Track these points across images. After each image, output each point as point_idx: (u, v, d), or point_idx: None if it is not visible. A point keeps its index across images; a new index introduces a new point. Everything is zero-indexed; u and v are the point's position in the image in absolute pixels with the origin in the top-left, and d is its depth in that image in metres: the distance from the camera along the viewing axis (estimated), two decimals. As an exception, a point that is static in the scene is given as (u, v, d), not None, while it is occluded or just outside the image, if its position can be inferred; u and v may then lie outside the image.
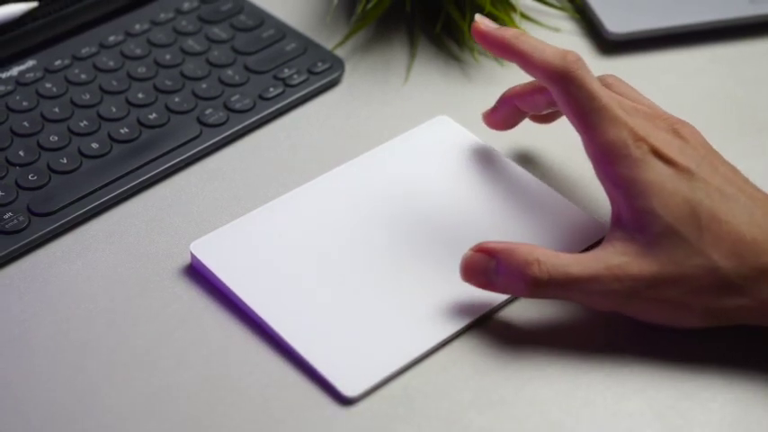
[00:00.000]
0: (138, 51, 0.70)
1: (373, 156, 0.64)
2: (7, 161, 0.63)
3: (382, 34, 0.74)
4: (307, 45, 0.71)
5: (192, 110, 0.67)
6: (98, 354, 0.55)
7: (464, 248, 0.59)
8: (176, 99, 0.67)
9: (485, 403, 0.54)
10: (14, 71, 0.68)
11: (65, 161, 0.63)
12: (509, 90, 0.62)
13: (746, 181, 0.55)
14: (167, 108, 0.67)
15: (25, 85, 0.68)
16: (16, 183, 0.62)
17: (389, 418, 0.53)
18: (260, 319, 0.56)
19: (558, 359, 0.55)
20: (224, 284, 0.57)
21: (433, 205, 0.62)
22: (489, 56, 0.73)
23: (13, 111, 0.66)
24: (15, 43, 0.70)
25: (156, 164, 0.64)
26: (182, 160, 0.64)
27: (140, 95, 0.67)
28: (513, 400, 0.54)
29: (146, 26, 0.72)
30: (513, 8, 0.73)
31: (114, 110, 0.66)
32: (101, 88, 0.68)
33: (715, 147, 0.66)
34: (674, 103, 0.70)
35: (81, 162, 0.63)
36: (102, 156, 0.64)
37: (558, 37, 0.74)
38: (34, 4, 0.70)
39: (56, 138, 0.64)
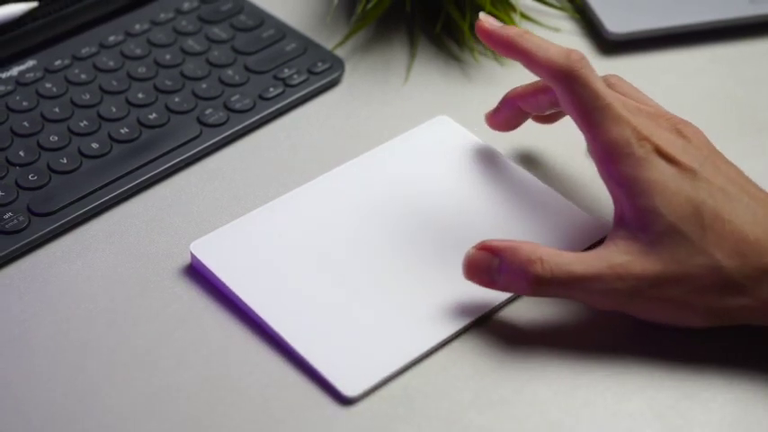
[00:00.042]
0: (138, 51, 0.70)
1: (373, 156, 0.64)
2: (7, 161, 0.63)
3: (382, 34, 0.74)
4: (307, 45, 0.71)
5: (192, 110, 0.67)
6: (98, 354, 0.55)
7: (464, 249, 0.59)
8: (176, 99, 0.67)
9: (485, 403, 0.54)
10: (14, 71, 0.68)
11: (65, 161, 0.63)
12: (511, 91, 0.62)
13: (749, 181, 0.55)
14: (167, 108, 0.67)
15: (25, 85, 0.68)
16: (16, 183, 0.62)
17: (389, 418, 0.53)
18: (260, 319, 0.56)
19: (558, 359, 0.55)
20: (224, 284, 0.57)
21: (433, 205, 0.62)
22: (489, 56, 0.73)
23: (13, 111, 0.66)
24: (15, 43, 0.70)
25: (156, 164, 0.64)
26: (182, 160, 0.64)
27: (140, 95, 0.67)
28: (513, 400, 0.54)
29: (146, 26, 0.72)
30: (513, 8, 0.73)
31: (114, 110, 0.66)
32: (101, 88, 0.68)
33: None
34: (674, 103, 0.70)
35: (81, 162, 0.63)
36: (102, 156, 0.64)
37: (558, 37, 0.74)
38: (34, 4, 0.70)
39: (56, 138, 0.64)
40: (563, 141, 0.67)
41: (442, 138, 0.65)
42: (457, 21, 0.72)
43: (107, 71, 0.69)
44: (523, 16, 0.74)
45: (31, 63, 0.69)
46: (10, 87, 0.67)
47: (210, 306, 0.57)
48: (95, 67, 0.69)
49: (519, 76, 0.71)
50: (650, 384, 0.54)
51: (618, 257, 0.53)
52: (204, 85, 0.68)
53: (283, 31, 0.72)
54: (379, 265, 0.58)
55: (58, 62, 0.69)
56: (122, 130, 0.65)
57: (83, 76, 0.68)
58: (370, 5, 0.72)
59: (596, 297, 0.54)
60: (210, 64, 0.70)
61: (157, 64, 0.70)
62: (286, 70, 0.69)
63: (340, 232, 0.60)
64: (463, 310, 0.57)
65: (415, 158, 0.64)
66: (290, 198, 0.62)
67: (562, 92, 0.56)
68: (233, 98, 0.67)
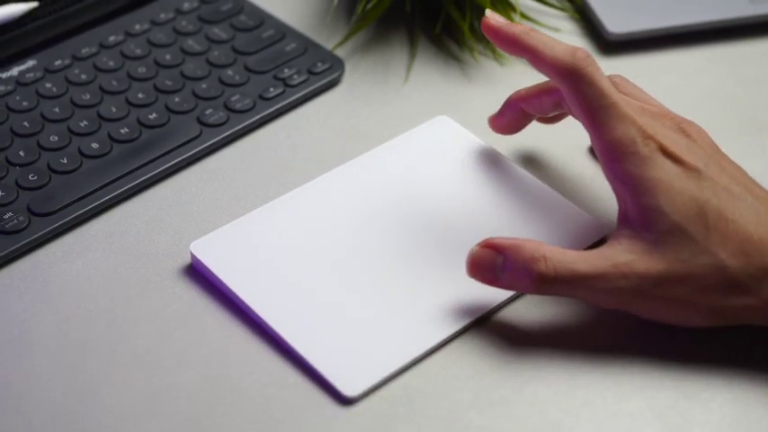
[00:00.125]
0: (139, 51, 0.70)
1: (373, 156, 0.64)
2: (7, 161, 0.63)
3: (382, 34, 0.74)
4: (307, 45, 0.71)
5: (192, 110, 0.67)
6: (98, 354, 0.55)
7: (464, 248, 0.59)
8: (176, 99, 0.67)
9: (485, 403, 0.54)
10: (14, 71, 0.68)
11: (65, 161, 0.63)
12: (514, 93, 0.62)
13: (753, 181, 0.55)
14: (167, 108, 0.67)
15: (25, 85, 0.68)
16: (16, 183, 0.62)
17: (389, 418, 0.53)
18: (260, 319, 0.56)
19: (558, 359, 0.55)
20: (224, 284, 0.57)
21: (433, 206, 0.62)
22: (489, 56, 0.73)
23: (13, 111, 0.66)
24: (15, 43, 0.70)
25: (156, 164, 0.64)
26: (182, 160, 0.64)
27: (140, 95, 0.67)
28: (513, 400, 0.54)
29: (146, 26, 0.72)
30: (513, 8, 0.73)
31: (114, 110, 0.66)
32: (101, 88, 0.68)
33: (715, 147, 0.66)
34: (674, 103, 0.70)
35: (81, 162, 0.63)
36: (103, 156, 0.64)
37: (558, 37, 0.74)
38: (34, 4, 0.70)
39: (56, 138, 0.64)
40: (563, 141, 0.67)
41: (441, 138, 0.65)
42: (457, 21, 0.72)
43: (107, 71, 0.69)
44: (523, 16, 0.74)
45: (31, 63, 0.69)
46: (10, 87, 0.67)
47: (210, 306, 0.57)
48: (95, 67, 0.69)
49: (519, 76, 0.71)
50: (650, 384, 0.54)
51: (622, 256, 0.53)
52: (204, 85, 0.68)
53: (283, 31, 0.72)
54: (378, 264, 0.58)
55: (58, 62, 0.69)
56: (122, 130, 0.65)
57: (83, 76, 0.68)
58: (370, 5, 0.72)
59: (599, 296, 0.54)
60: (210, 64, 0.70)
61: (157, 64, 0.70)
62: (286, 70, 0.69)
63: (340, 232, 0.60)
64: (463, 310, 0.57)
65: (414, 158, 0.64)
66: (290, 198, 0.62)
67: (567, 90, 0.56)
68: (233, 98, 0.67)
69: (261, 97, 0.68)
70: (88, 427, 0.52)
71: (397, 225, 0.60)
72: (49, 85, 0.68)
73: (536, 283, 0.54)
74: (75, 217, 0.61)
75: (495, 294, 0.57)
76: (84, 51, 0.70)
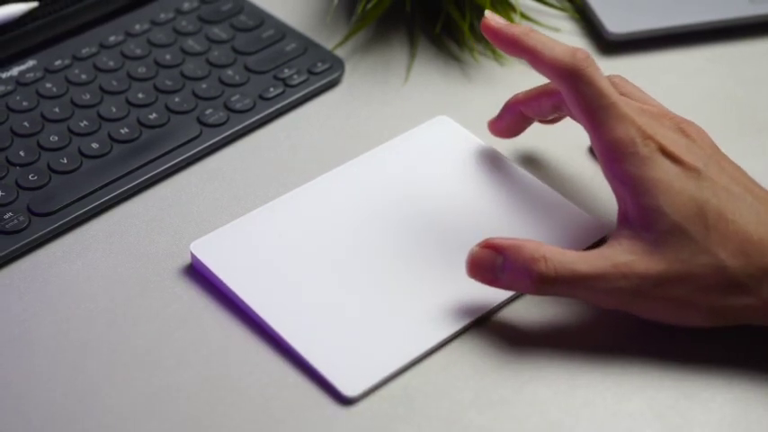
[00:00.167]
0: (139, 51, 0.70)
1: (373, 156, 0.64)
2: (7, 161, 0.63)
3: (382, 34, 0.74)
4: (307, 45, 0.71)
5: (192, 110, 0.67)
6: (98, 354, 0.55)
7: (463, 248, 0.59)
8: (176, 99, 0.67)
9: (485, 403, 0.54)
10: (14, 71, 0.68)
11: (65, 161, 0.63)
12: (513, 97, 0.63)
13: (752, 181, 0.55)
14: (167, 108, 0.67)
15: (25, 85, 0.68)
16: (16, 183, 0.62)
17: (389, 418, 0.53)
18: (260, 319, 0.56)
19: (558, 359, 0.55)
20: (224, 284, 0.57)
21: (433, 206, 0.62)
22: (489, 56, 0.73)
23: (13, 111, 0.66)
24: (15, 43, 0.70)
25: (156, 164, 0.64)
26: (182, 160, 0.64)
27: (140, 95, 0.67)
28: (513, 400, 0.54)
29: (146, 26, 0.72)
30: (513, 8, 0.73)
31: (114, 110, 0.66)
32: (101, 88, 0.68)
33: (715, 147, 0.66)
34: (674, 103, 0.70)
35: (81, 162, 0.63)
36: (103, 156, 0.64)
37: (558, 37, 0.74)
38: (34, 4, 0.70)
39: (56, 138, 0.64)
40: (563, 141, 0.67)
41: (441, 138, 0.65)
42: (457, 21, 0.72)
43: (107, 71, 0.69)
44: (523, 16, 0.74)
45: (31, 63, 0.69)
46: (10, 87, 0.67)
47: (210, 306, 0.57)
48: (95, 67, 0.69)
49: (519, 77, 0.71)
50: (650, 384, 0.54)
51: (622, 256, 0.53)
52: (204, 85, 0.68)
53: (283, 31, 0.72)
54: (378, 264, 0.58)
55: (58, 62, 0.69)
56: (122, 130, 0.65)
57: (83, 77, 0.68)
58: (370, 5, 0.72)
59: (600, 296, 0.54)
60: (210, 64, 0.70)
61: (157, 64, 0.70)
62: (286, 70, 0.69)
63: (340, 232, 0.60)
64: (463, 310, 0.57)
65: (414, 158, 0.64)
66: (290, 198, 0.62)
67: (567, 90, 0.56)
68: (233, 98, 0.67)
69: (261, 97, 0.68)
70: (88, 427, 0.52)
71: (397, 225, 0.60)
72: (49, 85, 0.68)
73: (536, 283, 0.54)
74: (75, 217, 0.61)
75: (495, 294, 0.57)
76: (85, 51, 0.70)
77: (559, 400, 0.54)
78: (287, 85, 0.69)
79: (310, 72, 0.69)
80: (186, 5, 0.74)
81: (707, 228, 0.53)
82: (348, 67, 0.72)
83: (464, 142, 0.65)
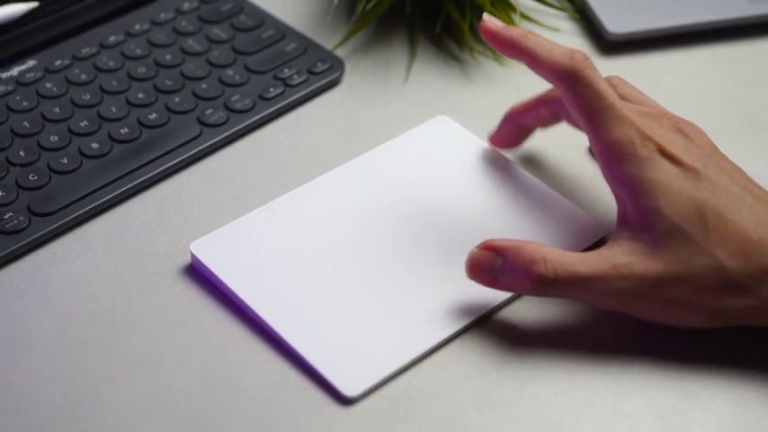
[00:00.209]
0: (139, 51, 0.70)
1: (373, 156, 0.64)
2: (7, 161, 0.63)
3: (382, 34, 0.74)
4: (307, 45, 0.71)
5: (193, 110, 0.67)
6: (98, 354, 0.55)
7: (463, 248, 0.59)
8: (176, 99, 0.67)
9: (485, 403, 0.54)
10: (15, 71, 0.68)
11: (65, 161, 0.63)
12: (512, 108, 0.63)
13: (752, 181, 0.55)
14: (167, 108, 0.67)
15: (25, 85, 0.68)
16: (16, 183, 0.62)
17: (389, 418, 0.53)
18: (260, 319, 0.56)
19: (558, 359, 0.55)
20: (224, 284, 0.57)
21: (433, 206, 0.62)
22: (489, 56, 0.73)
23: (13, 111, 0.66)
24: (15, 43, 0.70)
25: (156, 164, 0.64)
26: (182, 160, 0.64)
27: (140, 95, 0.67)
28: (513, 400, 0.54)
29: (146, 26, 0.72)
30: (512, 8, 0.73)
31: (114, 110, 0.66)
32: (101, 88, 0.68)
33: (715, 147, 0.66)
34: (674, 103, 0.70)
35: (81, 162, 0.63)
36: (103, 156, 0.64)
37: (558, 37, 0.74)
38: (34, 4, 0.70)
39: (56, 138, 0.64)
40: (563, 142, 0.67)
41: (441, 138, 0.66)
42: (457, 21, 0.72)
43: (107, 71, 0.69)
44: (523, 16, 0.74)
45: (31, 63, 0.69)
46: (10, 87, 0.67)
47: (210, 306, 0.58)
48: (95, 67, 0.69)
49: (519, 77, 0.71)
50: (650, 384, 0.54)
51: (621, 258, 0.53)
52: (204, 85, 0.68)
53: (283, 31, 0.72)
54: (378, 264, 0.58)
55: (58, 62, 0.69)
56: (122, 130, 0.65)
57: (83, 77, 0.68)
58: (370, 5, 0.72)
59: (599, 297, 0.54)
60: (210, 64, 0.70)
61: (157, 64, 0.70)
62: (286, 70, 0.69)
63: (340, 232, 0.60)
64: (463, 310, 0.57)
65: (414, 158, 0.64)
66: (290, 198, 0.62)
67: (565, 92, 0.56)
68: (233, 98, 0.67)
69: (261, 97, 0.68)
70: (88, 427, 0.52)
71: (397, 225, 0.60)
72: (49, 85, 0.68)
73: (536, 284, 0.54)
74: (75, 217, 0.61)
75: (495, 295, 0.57)
76: (85, 51, 0.70)
77: (559, 400, 0.54)
78: (287, 85, 0.69)
79: (310, 72, 0.69)
80: (186, 5, 0.74)
81: (706, 228, 0.53)
82: (348, 67, 0.72)
83: (464, 142, 0.65)
